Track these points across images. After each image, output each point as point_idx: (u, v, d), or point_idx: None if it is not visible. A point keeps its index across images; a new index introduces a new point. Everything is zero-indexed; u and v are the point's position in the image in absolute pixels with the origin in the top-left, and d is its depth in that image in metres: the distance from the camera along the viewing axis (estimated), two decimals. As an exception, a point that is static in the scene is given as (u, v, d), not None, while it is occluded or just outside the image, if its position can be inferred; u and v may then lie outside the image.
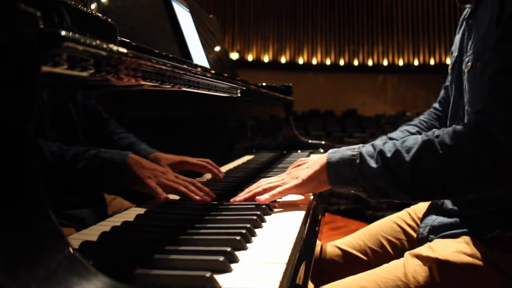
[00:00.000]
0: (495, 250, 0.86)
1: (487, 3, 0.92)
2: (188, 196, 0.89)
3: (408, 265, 0.89)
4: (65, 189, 0.66)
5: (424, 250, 0.91)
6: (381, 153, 0.84)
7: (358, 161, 0.84)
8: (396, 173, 0.82)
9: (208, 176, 1.18)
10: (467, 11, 1.05)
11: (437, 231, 0.98)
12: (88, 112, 0.77)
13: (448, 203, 1.00)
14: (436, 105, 1.36)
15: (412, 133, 1.31)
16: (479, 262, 0.85)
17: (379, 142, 0.88)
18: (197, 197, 0.89)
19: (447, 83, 1.23)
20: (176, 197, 0.91)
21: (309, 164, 0.93)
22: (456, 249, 0.88)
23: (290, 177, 0.93)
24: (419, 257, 0.90)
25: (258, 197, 0.89)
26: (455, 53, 1.08)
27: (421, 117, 1.39)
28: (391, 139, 1.25)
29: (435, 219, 1.00)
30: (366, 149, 0.86)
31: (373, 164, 0.83)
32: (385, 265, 0.94)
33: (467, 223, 0.93)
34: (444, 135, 0.80)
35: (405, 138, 0.85)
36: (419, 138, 0.83)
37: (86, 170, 0.70)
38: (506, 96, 0.78)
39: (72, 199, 0.68)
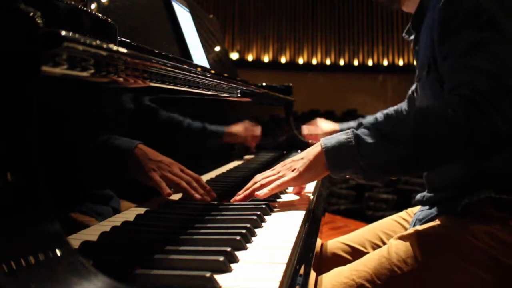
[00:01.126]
0: (468, 219, 0.92)
1: (425, 25, 1.01)
2: (188, 193, 0.89)
3: (391, 246, 0.95)
4: (75, 176, 0.66)
5: (405, 232, 0.98)
6: (376, 126, 0.86)
7: (354, 142, 0.85)
8: (396, 138, 0.84)
9: (207, 176, 1.18)
10: (413, 40, 1.14)
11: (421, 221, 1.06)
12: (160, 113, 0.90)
13: (427, 193, 1.08)
14: None
15: None
16: (456, 232, 0.91)
17: (369, 119, 0.92)
18: (197, 195, 0.89)
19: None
20: (177, 198, 0.91)
21: (302, 155, 0.93)
22: (434, 225, 0.96)
23: (286, 169, 0.93)
24: (400, 237, 0.96)
25: (257, 193, 0.89)
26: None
27: None
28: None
29: (420, 214, 1.08)
30: (360, 130, 0.88)
31: (371, 139, 0.84)
32: (372, 252, 1.00)
33: (442, 207, 1.00)
34: (435, 104, 0.85)
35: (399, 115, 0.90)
36: (413, 110, 0.87)
37: (95, 155, 0.70)
38: (477, 69, 0.83)
39: (83, 188, 0.67)
